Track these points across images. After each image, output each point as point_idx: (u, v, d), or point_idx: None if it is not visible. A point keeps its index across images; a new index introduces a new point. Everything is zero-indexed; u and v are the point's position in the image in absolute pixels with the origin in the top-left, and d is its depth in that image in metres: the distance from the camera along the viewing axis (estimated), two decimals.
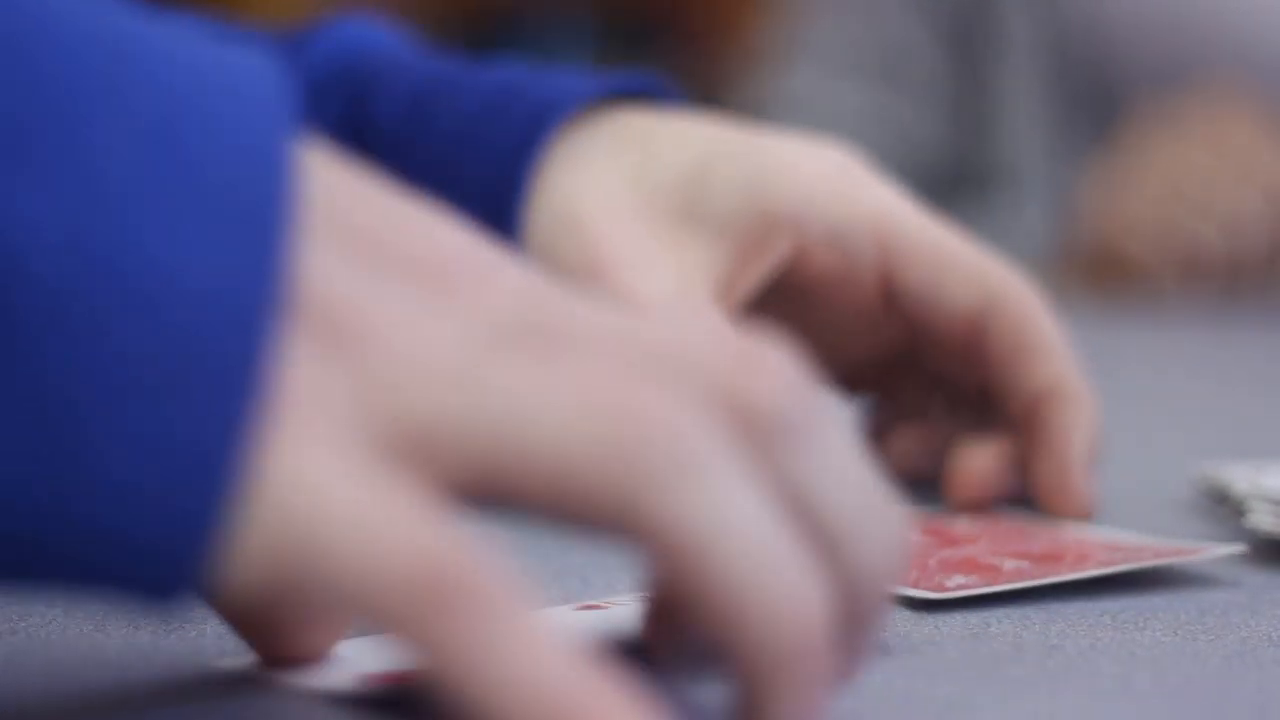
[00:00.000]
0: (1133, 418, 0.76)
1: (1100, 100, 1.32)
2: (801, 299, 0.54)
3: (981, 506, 0.53)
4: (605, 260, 0.52)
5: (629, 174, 0.53)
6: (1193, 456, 0.56)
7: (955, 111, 1.36)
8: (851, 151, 0.54)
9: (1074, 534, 0.49)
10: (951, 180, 1.35)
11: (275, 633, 0.36)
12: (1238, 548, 0.46)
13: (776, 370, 0.31)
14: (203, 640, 0.39)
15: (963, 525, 0.51)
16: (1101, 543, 0.48)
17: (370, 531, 0.28)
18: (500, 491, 0.30)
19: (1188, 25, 1.28)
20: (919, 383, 0.57)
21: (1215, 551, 0.46)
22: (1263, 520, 0.47)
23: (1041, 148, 1.33)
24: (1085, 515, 0.51)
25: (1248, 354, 0.98)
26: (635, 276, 0.51)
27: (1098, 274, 1.18)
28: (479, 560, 0.28)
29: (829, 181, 0.53)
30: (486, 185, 0.53)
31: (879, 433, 0.58)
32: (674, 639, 0.35)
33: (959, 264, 0.53)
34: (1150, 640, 0.40)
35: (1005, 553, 0.47)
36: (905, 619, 0.42)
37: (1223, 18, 1.27)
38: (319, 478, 0.28)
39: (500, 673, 0.28)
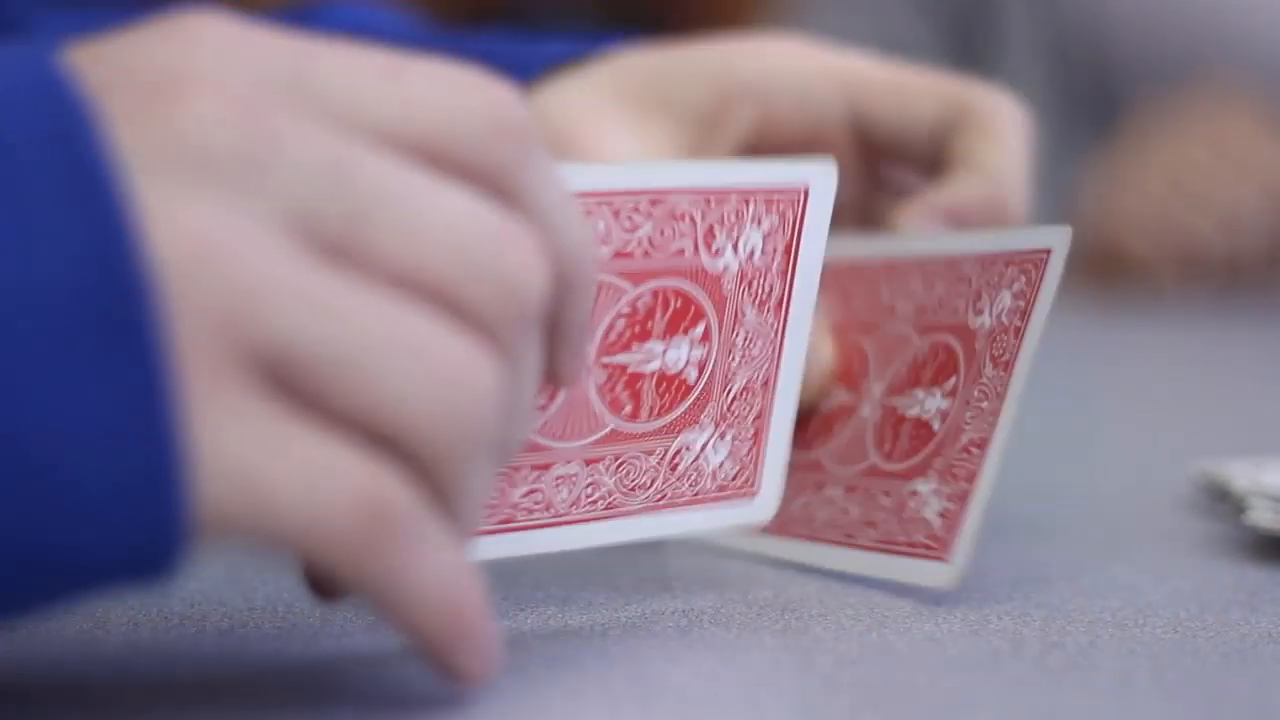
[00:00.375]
0: (1132, 414, 0.76)
1: (1100, 100, 1.32)
2: None
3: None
4: (575, 141, 0.53)
5: (603, 79, 0.54)
6: (1192, 453, 0.56)
7: None
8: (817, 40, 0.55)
9: (914, 253, 0.48)
10: None
11: None
12: (1061, 237, 0.44)
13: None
14: (203, 639, 0.39)
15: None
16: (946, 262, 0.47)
17: (312, 479, 0.30)
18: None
19: (1188, 25, 1.28)
20: None
21: (1039, 236, 0.44)
22: (1262, 517, 0.47)
23: (1041, 147, 1.33)
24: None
25: (1247, 351, 0.98)
26: (602, 152, 0.52)
27: (1098, 271, 1.18)
28: (404, 491, 0.31)
29: (791, 52, 0.54)
30: None
31: None
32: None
33: (921, 84, 0.53)
34: (1150, 637, 0.40)
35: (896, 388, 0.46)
36: (903, 615, 0.42)
37: (1223, 17, 1.27)
38: (244, 434, 0.30)
39: (421, 594, 0.32)
